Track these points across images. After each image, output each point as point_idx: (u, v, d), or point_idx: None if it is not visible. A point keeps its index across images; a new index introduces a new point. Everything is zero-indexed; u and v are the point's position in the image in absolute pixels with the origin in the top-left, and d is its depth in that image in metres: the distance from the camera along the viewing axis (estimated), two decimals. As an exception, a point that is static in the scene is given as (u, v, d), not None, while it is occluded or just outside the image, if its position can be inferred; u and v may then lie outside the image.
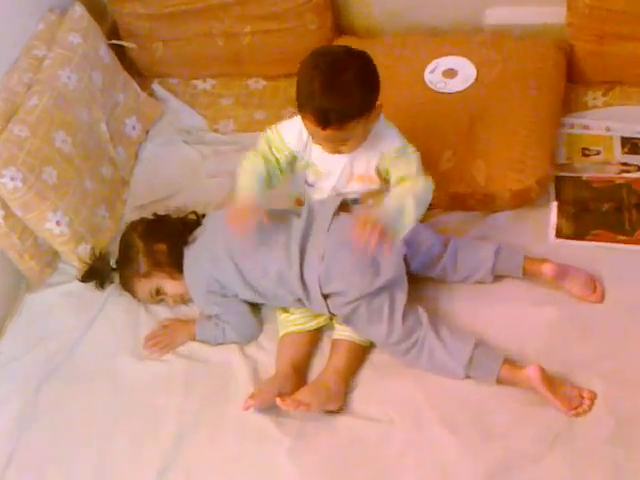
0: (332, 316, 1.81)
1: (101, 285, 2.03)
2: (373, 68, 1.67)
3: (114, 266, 2.01)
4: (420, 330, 1.71)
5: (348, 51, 1.68)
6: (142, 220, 2.01)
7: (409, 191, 1.71)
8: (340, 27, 2.50)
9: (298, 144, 1.79)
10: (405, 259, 1.80)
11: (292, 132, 1.79)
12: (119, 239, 2.01)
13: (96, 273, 2.03)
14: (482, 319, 1.79)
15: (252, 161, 1.80)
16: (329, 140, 1.69)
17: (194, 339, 1.90)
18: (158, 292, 1.95)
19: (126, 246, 1.96)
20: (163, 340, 1.90)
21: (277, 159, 1.81)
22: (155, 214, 2.02)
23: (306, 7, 2.38)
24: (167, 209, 2.04)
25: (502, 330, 1.76)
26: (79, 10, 2.28)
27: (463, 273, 1.86)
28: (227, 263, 1.83)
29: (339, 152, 1.74)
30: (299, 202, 1.96)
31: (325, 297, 1.76)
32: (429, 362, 1.71)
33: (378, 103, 1.69)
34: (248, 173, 1.79)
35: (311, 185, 1.88)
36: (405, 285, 1.77)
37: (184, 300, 1.97)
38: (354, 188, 1.84)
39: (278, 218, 1.84)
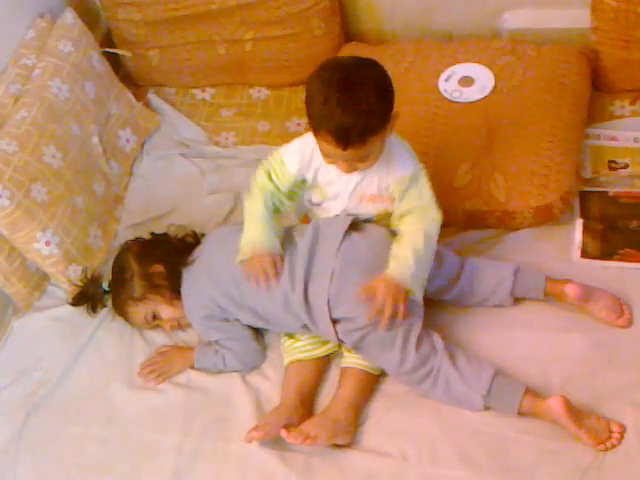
0: (340, 343, 1.80)
1: (93, 309, 2.03)
2: (387, 77, 1.67)
3: (107, 289, 2.01)
4: (435, 358, 1.70)
5: (359, 62, 1.67)
6: (138, 240, 2.01)
7: (421, 235, 1.72)
8: (348, 33, 2.52)
9: (300, 169, 1.79)
10: (421, 283, 1.79)
11: (293, 157, 1.79)
12: (112, 260, 2.01)
13: (87, 296, 2.03)
14: (502, 346, 1.78)
15: (252, 202, 1.82)
16: (347, 159, 1.69)
17: (193, 367, 1.89)
18: (154, 317, 1.94)
19: (120, 268, 1.96)
20: (160, 368, 1.90)
21: (277, 186, 1.81)
22: (152, 233, 2.02)
23: (312, 12, 2.39)
24: (166, 228, 2.04)
25: (524, 358, 1.75)
26: (70, 16, 2.30)
27: (480, 296, 1.85)
28: (228, 285, 1.83)
29: (355, 170, 1.74)
30: (306, 219, 1.96)
31: (334, 322, 1.75)
32: (445, 392, 1.70)
33: (394, 112, 1.69)
34: (253, 218, 1.81)
35: (317, 204, 1.87)
36: (421, 310, 1.76)
37: (181, 325, 1.96)
38: (367, 209, 1.83)
39: (280, 237, 1.83)
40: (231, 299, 1.83)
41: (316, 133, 1.66)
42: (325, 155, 1.71)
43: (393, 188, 1.77)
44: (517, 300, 1.85)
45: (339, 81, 1.61)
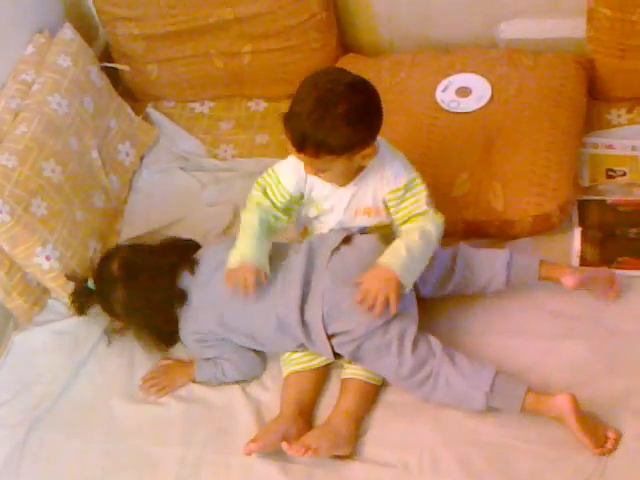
0: (337, 358, 1.79)
1: (82, 310, 2.00)
2: (373, 108, 1.67)
3: (92, 287, 1.96)
4: (433, 359, 1.70)
5: (353, 83, 1.66)
6: (124, 267, 1.90)
7: (418, 233, 1.73)
8: (345, 45, 2.53)
9: (297, 186, 1.81)
10: (414, 285, 1.79)
11: (289, 174, 1.80)
12: (96, 272, 1.95)
13: (78, 299, 1.98)
14: (502, 354, 1.78)
15: (248, 216, 1.83)
16: (305, 163, 1.71)
17: (194, 381, 1.89)
18: None
19: (104, 295, 1.93)
20: (161, 382, 1.90)
21: (273, 203, 1.82)
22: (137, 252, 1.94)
23: (309, 24, 2.40)
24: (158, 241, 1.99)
25: (524, 366, 1.75)
26: (69, 32, 2.31)
27: (475, 287, 1.86)
28: (220, 313, 1.83)
29: (317, 176, 1.75)
30: (305, 231, 1.96)
31: (329, 337, 1.75)
32: (447, 393, 1.69)
33: (368, 146, 1.69)
34: (246, 232, 1.81)
35: (314, 218, 1.89)
36: (415, 313, 1.77)
37: None
38: (361, 222, 1.85)
39: (274, 256, 1.84)
40: (224, 326, 1.83)
41: (284, 122, 1.67)
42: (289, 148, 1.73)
43: (388, 199, 1.78)
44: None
45: (323, 91, 1.63)
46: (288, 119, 1.66)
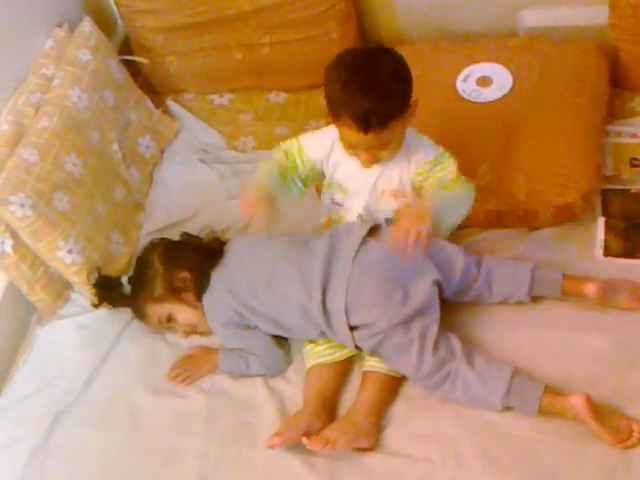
0: (358, 349, 1.79)
1: (113, 304, 2.02)
2: (404, 62, 1.68)
3: (125, 283, 2.01)
4: (453, 362, 1.69)
5: (376, 48, 1.69)
6: (164, 240, 2.00)
7: (444, 191, 1.72)
8: (365, 35, 2.51)
9: (319, 158, 1.80)
10: (439, 284, 1.78)
11: (313, 143, 1.80)
12: (136, 257, 2.01)
13: (106, 292, 2.01)
14: (524, 347, 1.77)
15: (267, 164, 1.82)
16: (369, 147, 1.69)
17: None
18: (168, 319, 1.94)
19: (143, 266, 1.95)
20: (187, 370, 1.90)
21: (295, 165, 1.81)
22: (185, 233, 2.01)
23: (328, 14, 2.39)
24: (199, 231, 2.04)
25: (546, 359, 1.74)
26: (88, 25, 2.31)
27: (498, 297, 1.84)
28: (245, 294, 1.83)
29: (376, 161, 1.74)
30: (328, 222, 1.95)
31: (351, 329, 1.75)
32: (464, 394, 1.68)
33: (414, 98, 1.69)
34: (263, 173, 1.80)
35: (339, 204, 1.88)
36: (437, 313, 1.76)
37: (196, 332, 1.96)
38: (387, 205, 1.83)
39: (297, 244, 1.84)
40: (248, 308, 1.83)
41: (337, 119, 1.66)
42: (347, 144, 1.71)
43: (416, 174, 1.77)
44: (538, 299, 1.84)
45: (358, 67, 1.63)
46: (340, 111, 1.64)
